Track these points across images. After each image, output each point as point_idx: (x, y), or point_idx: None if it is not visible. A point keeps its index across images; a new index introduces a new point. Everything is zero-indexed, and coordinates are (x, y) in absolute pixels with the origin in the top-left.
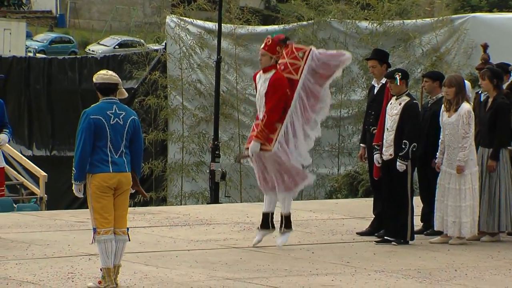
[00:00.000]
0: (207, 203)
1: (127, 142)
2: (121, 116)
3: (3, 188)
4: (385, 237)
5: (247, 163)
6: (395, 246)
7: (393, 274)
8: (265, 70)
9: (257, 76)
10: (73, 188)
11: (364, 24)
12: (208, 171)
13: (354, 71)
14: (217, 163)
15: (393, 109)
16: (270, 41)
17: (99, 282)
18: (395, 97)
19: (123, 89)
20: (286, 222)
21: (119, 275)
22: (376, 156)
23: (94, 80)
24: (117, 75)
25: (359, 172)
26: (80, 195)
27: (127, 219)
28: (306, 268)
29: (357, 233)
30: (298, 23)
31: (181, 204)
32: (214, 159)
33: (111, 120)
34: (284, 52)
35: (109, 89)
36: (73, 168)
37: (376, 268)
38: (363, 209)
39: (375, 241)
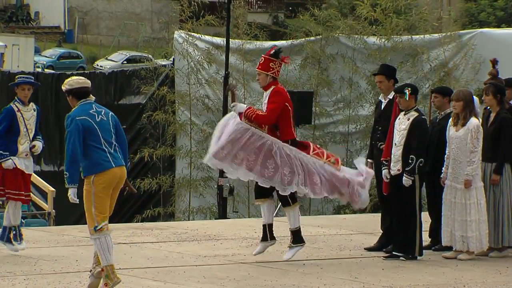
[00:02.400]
0: (215, 218)
1: (114, 136)
2: (102, 113)
3: (28, 193)
4: (393, 253)
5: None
6: (403, 261)
7: None
8: (265, 89)
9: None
10: (68, 194)
11: (372, 39)
12: (216, 186)
13: (362, 86)
14: (225, 178)
15: (402, 124)
16: (263, 59)
17: (106, 285)
18: (403, 112)
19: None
20: (294, 237)
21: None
22: (385, 172)
23: (68, 86)
24: (86, 79)
25: None
26: (76, 201)
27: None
28: (315, 284)
29: (365, 249)
30: (306, 38)
31: (189, 220)
32: (222, 174)
33: (97, 118)
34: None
35: (86, 92)
36: (65, 173)
37: (384, 283)
38: (371, 224)
39: (383, 257)
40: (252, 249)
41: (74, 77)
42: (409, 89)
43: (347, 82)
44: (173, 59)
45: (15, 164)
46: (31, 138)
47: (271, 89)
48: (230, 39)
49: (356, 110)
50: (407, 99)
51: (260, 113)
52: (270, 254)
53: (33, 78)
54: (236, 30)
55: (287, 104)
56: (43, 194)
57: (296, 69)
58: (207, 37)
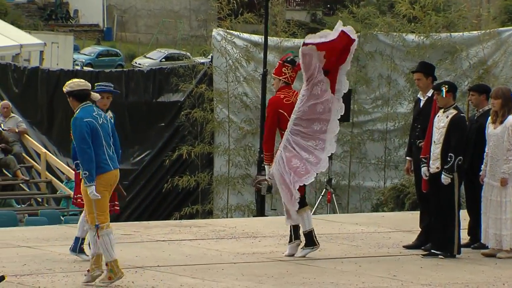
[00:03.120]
0: (253, 216)
1: (111, 139)
2: (102, 116)
3: (117, 203)
4: (432, 251)
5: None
6: (442, 259)
7: None
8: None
9: None
10: (89, 193)
11: (410, 37)
12: (253, 184)
13: (400, 84)
14: (263, 176)
15: (440, 122)
16: (278, 64)
17: (110, 278)
18: (442, 110)
19: (94, 93)
20: (306, 240)
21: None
22: (424, 169)
23: (68, 88)
24: (86, 81)
25: (405, 185)
26: (98, 196)
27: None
28: (353, 281)
29: (403, 246)
30: None
31: (227, 217)
32: (260, 172)
33: (99, 120)
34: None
35: (86, 95)
36: (84, 172)
37: (423, 281)
38: (409, 222)
39: (421, 255)
40: None
41: (75, 80)
42: (446, 86)
43: (385, 80)
44: (211, 56)
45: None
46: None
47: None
48: (268, 37)
49: (394, 108)
50: (444, 96)
51: None
52: None
53: (112, 86)
54: (274, 28)
55: (280, 110)
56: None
57: None
58: (245, 35)
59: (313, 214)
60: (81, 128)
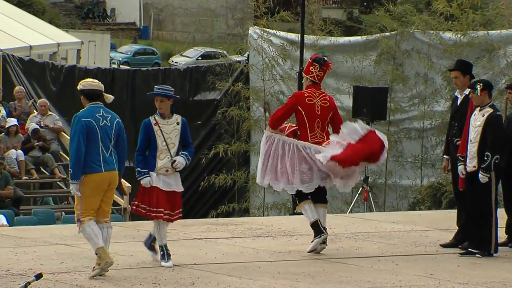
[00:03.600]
0: (290, 214)
1: (114, 142)
2: (108, 118)
3: (180, 210)
4: (469, 249)
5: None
6: (479, 258)
7: (478, 287)
8: None
9: None
10: (71, 188)
11: (447, 35)
12: None
13: (437, 82)
14: None
15: (477, 120)
16: (307, 63)
17: (98, 264)
18: (478, 108)
19: (108, 95)
20: (314, 231)
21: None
22: (460, 168)
23: (81, 86)
24: (99, 82)
25: (442, 184)
26: (79, 194)
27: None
28: (390, 280)
29: (440, 245)
30: (381, 34)
31: (263, 215)
32: None
33: (101, 122)
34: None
35: (96, 95)
36: (70, 169)
37: (460, 280)
38: (446, 220)
39: (459, 253)
40: (328, 246)
41: (89, 79)
42: (481, 84)
43: (422, 78)
44: (248, 55)
45: (151, 183)
46: (172, 153)
47: None
48: (305, 35)
49: (431, 106)
50: (479, 94)
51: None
52: (345, 250)
53: (171, 90)
54: (310, 26)
55: (299, 107)
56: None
57: (371, 65)
58: (282, 33)
59: (349, 212)
60: (77, 127)
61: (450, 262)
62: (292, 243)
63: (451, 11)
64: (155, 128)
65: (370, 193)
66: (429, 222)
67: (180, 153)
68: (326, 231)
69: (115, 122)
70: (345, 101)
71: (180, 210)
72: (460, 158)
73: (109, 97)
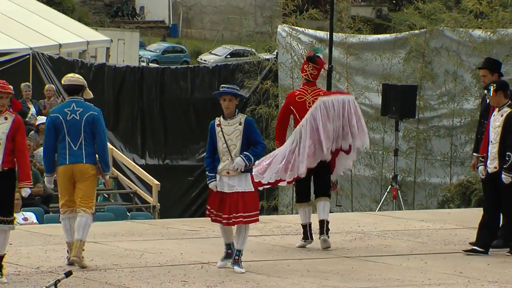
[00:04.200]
0: None
1: (86, 135)
2: (78, 112)
3: (251, 213)
4: (474, 247)
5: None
6: (509, 256)
7: (508, 285)
8: None
9: None
10: (45, 180)
11: (477, 32)
12: None
13: (466, 80)
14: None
15: (496, 121)
16: (303, 62)
17: (68, 258)
18: (497, 109)
19: (88, 91)
20: (303, 233)
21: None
22: (480, 168)
23: (62, 82)
24: (83, 78)
25: (471, 182)
26: (51, 186)
27: None
28: (419, 278)
29: (470, 243)
30: (410, 31)
31: (292, 213)
32: None
33: (68, 116)
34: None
35: (74, 89)
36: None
37: (490, 278)
38: (476, 219)
39: (463, 251)
40: (356, 243)
41: (70, 74)
42: (494, 85)
43: (451, 76)
44: (277, 53)
45: (216, 186)
46: (233, 155)
47: None
48: (334, 33)
49: (460, 104)
50: (492, 95)
51: None
52: (373, 248)
53: (238, 89)
54: (339, 24)
55: (291, 107)
56: (148, 188)
57: (400, 63)
58: (311, 31)
59: (378, 210)
60: (46, 122)
61: (480, 260)
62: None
63: (481, 8)
64: (217, 129)
65: (399, 191)
66: (458, 220)
67: (242, 154)
68: (326, 233)
69: (85, 116)
70: (374, 99)
71: (252, 212)
72: (480, 159)
73: (89, 93)
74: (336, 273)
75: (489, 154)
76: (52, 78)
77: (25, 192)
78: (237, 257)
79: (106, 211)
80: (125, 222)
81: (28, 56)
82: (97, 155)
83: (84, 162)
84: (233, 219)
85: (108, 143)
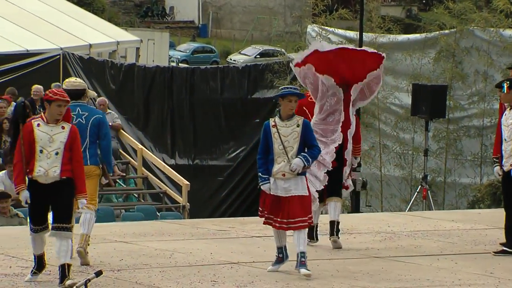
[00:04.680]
0: (348, 212)
1: (91, 138)
2: (83, 116)
3: (305, 218)
4: (504, 249)
5: None
6: None
7: None
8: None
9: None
10: None
11: (508, 32)
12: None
13: (497, 80)
14: (358, 172)
15: (508, 119)
16: None
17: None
18: (509, 107)
19: (90, 91)
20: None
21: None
22: (496, 169)
23: (64, 86)
24: (83, 82)
25: None
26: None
27: None
28: (449, 279)
29: (500, 244)
30: (440, 31)
31: (322, 213)
32: (354, 168)
33: (74, 120)
34: None
35: (77, 94)
36: None
37: None
38: None
39: (493, 252)
40: (386, 243)
41: (72, 79)
42: (508, 82)
43: (481, 76)
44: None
45: (271, 188)
46: (290, 157)
47: None
48: (364, 33)
49: (491, 104)
50: (505, 92)
51: None
52: (403, 248)
53: (298, 89)
54: (369, 24)
55: (304, 107)
56: (178, 188)
57: (430, 63)
58: (340, 31)
59: (408, 210)
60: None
61: (510, 261)
62: (350, 241)
63: (511, 8)
64: (273, 130)
65: (429, 191)
66: (489, 220)
67: (299, 155)
68: (336, 234)
69: (91, 119)
70: (404, 99)
71: (306, 217)
72: (494, 160)
73: (91, 93)
74: (366, 273)
75: (503, 152)
76: (82, 78)
77: (81, 203)
78: (303, 259)
79: (136, 211)
80: (155, 222)
81: (58, 56)
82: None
83: (89, 163)
84: (290, 224)
85: (138, 143)
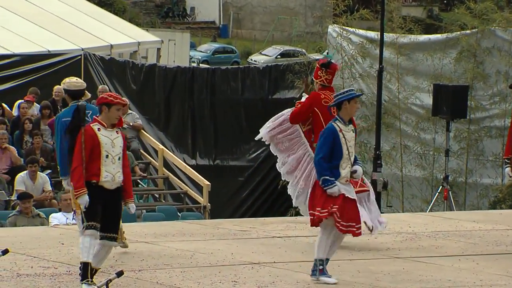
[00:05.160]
0: None
1: None
2: (88, 115)
3: (359, 226)
4: None
5: None
6: None
7: None
8: None
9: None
10: (63, 184)
11: None
12: (369, 180)
13: None
14: (379, 173)
15: None
16: (315, 68)
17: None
18: None
19: (86, 92)
20: None
21: None
22: (507, 170)
23: (65, 86)
24: (82, 81)
25: None
26: (70, 189)
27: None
28: (470, 279)
29: None
30: (461, 31)
31: None
32: (375, 169)
33: None
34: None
35: (79, 94)
36: (58, 166)
37: None
38: None
39: None
40: (407, 244)
41: (73, 78)
42: None
43: (503, 76)
44: (327, 53)
45: (340, 191)
46: (352, 162)
47: None
48: (385, 33)
49: None
50: None
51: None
52: (424, 249)
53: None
54: (390, 24)
55: (315, 108)
56: (199, 188)
57: (451, 63)
58: (361, 31)
59: (429, 211)
60: (57, 127)
61: None
62: (371, 241)
63: None
64: (340, 135)
65: (450, 191)
66: (510, 221)
67: (355, 162)
68: None
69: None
70: (425, 99)
71: (358, 226)
72: (506, 161)
73: (87, 94)
74: (387, 273)
75: None
76: (103, 78)
77: (133, 208)
78: (321, 267)
79: (157, 211)
80: (176, 222)
81: (79, 57)
82: None
83: None
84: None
85: (159, 144)
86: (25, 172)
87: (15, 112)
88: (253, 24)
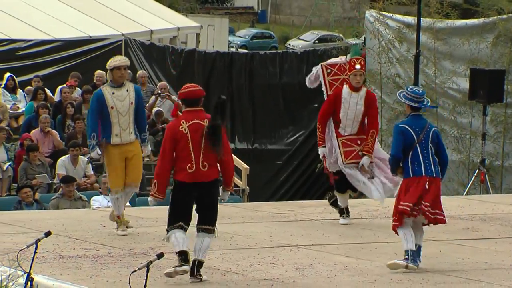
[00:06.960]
0: None
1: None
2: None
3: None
4: None
5: None
6: None
7: None
8: (358, 89)
9: (344, 92)
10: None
11: None
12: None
13: None
14: None
15: None
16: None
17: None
18: None
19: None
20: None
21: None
22: None
23: (108, 64)
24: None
25: None
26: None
27: None
28: (507, 262)
29: None
30: (498, 16)
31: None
32: None
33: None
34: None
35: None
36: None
37: None
38: None
39: None
40: (444, 227)
41: (118, 56)
42: None
43: None
44: (364, 38)
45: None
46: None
47: (365, 91)
48: (421, 18)
49: None
50: None
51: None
52: (461, 231)
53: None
54: (427, 9)
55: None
56: (238, 171)
57: (488, 47)
58: (398, 16)
59: (465, 194)
60: (91, 105)
61: None
62: None
63: None
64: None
65: (486, 175)
66: None
67: None
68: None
69: (134, 93)
70: (462, 83)
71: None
72: None
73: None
74: (423, 256)
75: None
76: (144, 63)
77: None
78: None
79: None
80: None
81: (120, 42)
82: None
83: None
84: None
85: None
86: (66, 156)
87: (57, 97)
88: (291, 10)
